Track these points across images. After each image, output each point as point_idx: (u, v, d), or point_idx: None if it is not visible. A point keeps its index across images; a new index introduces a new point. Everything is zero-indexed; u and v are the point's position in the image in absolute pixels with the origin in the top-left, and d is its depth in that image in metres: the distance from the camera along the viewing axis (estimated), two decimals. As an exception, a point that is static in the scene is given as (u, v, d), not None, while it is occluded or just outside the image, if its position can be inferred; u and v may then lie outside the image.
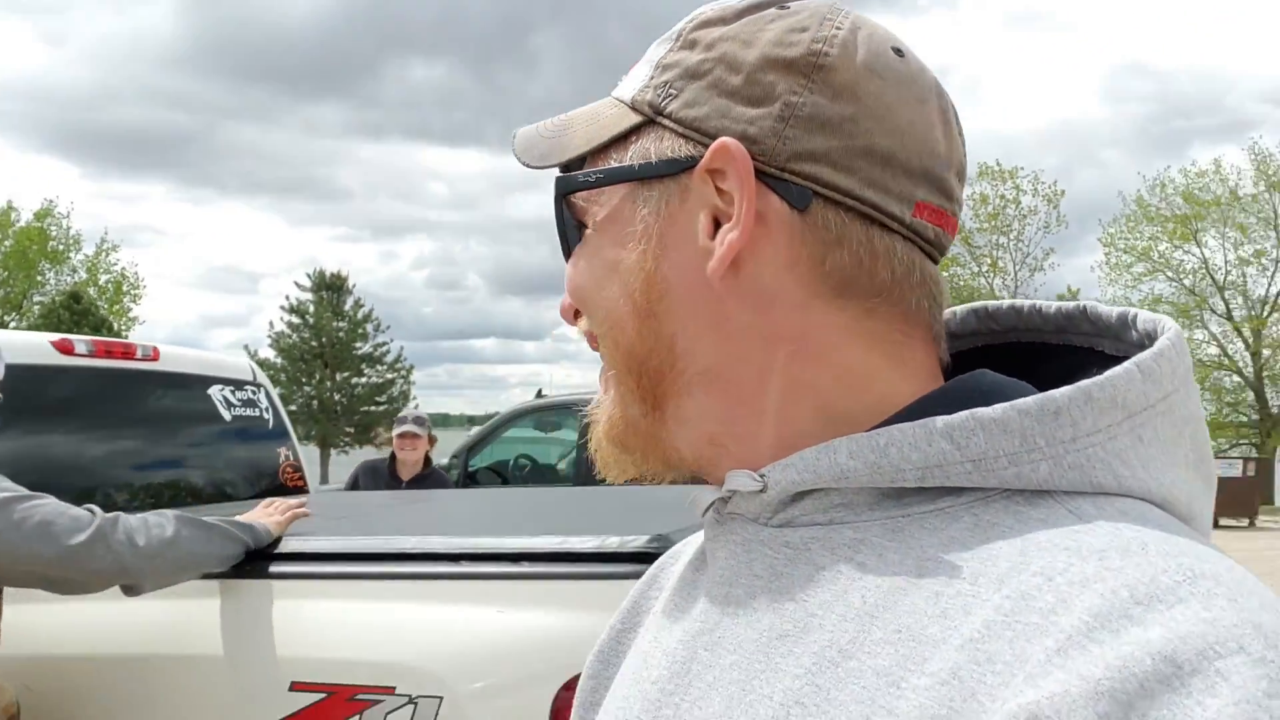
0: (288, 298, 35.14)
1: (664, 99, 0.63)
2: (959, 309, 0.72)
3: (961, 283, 30.91)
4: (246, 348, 34.83)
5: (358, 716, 1.90)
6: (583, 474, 6.53)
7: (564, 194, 0.65)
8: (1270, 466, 24.97)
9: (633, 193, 0.63)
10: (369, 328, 35.25)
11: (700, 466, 0.64)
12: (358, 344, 34.91)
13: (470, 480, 6.71)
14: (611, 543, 1.92)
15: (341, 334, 34.55)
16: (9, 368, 2.89)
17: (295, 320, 34.86)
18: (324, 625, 2.00)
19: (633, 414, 0.64)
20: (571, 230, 0.66)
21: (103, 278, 36.17)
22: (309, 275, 35.42)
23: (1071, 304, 0.67)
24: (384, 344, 35.47)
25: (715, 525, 0.65)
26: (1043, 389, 0.59)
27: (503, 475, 6.99)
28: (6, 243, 34.97)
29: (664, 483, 0.67)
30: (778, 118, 0.59)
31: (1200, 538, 0.54)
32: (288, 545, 2.15)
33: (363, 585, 2.03)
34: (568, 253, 0.67)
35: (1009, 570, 0.51)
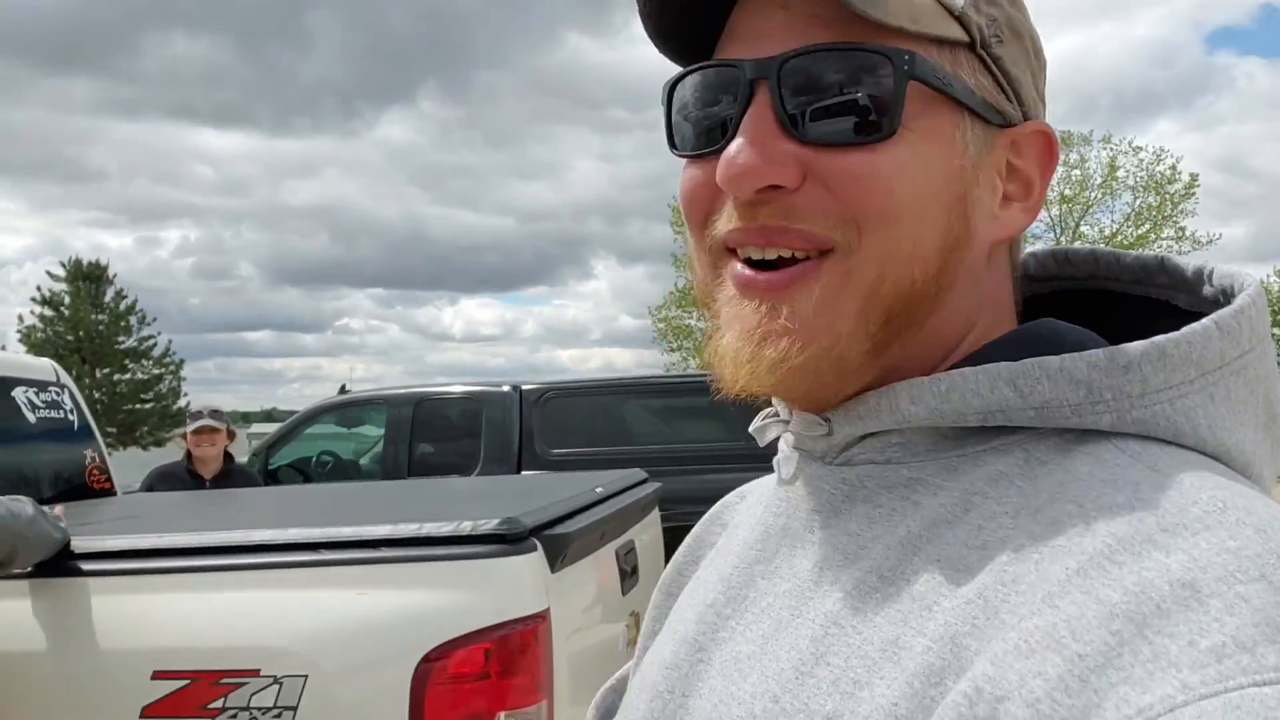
0: (39, 288, 32.40)
1: (994, 37, 0.60)
2: (1039, 251, 0.71)
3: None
4: (-10, 342, 31.75)
5: (223, 699, 2.02)
6: (389, 469, 6.58)
7: (912, 77, 0.56)
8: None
9: (959, 120, 0.59)
10: (132, 320, 32.96)
11: (848, 395, 0.61)
12: (120, 338, 32.56)
13: (271, 478, 6.61)
14: (465, 527, 2.12)
15: (102, 327, 32.13)
16: None
17: (48, 313, 32.16)
18: (184, 616, 2.09)
19: (839, 348, 0.58)
20: (883, 110, 0.56)
21: None
22: (63, 264, 32.79)
23: (1150, 255, 0.66)
24: (150, 338, 33.30)
25: (783, 458, 0.67)
26: (1116, 339, 0.59)
27: (305, 473, 6.92)
28: None
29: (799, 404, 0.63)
30: (1041, 105, 0.64)
31: (1246, 482, 0.53)
32: (145, 541, 2.22)
33: (222, 576, 2.14)
34: (861, 127, 0.57)
35: (1046, 501, 0.52)
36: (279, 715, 2.01)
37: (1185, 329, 0.55)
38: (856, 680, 0.52)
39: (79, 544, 2.22)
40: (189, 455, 5.15)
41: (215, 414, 5.19)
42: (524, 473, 6.22)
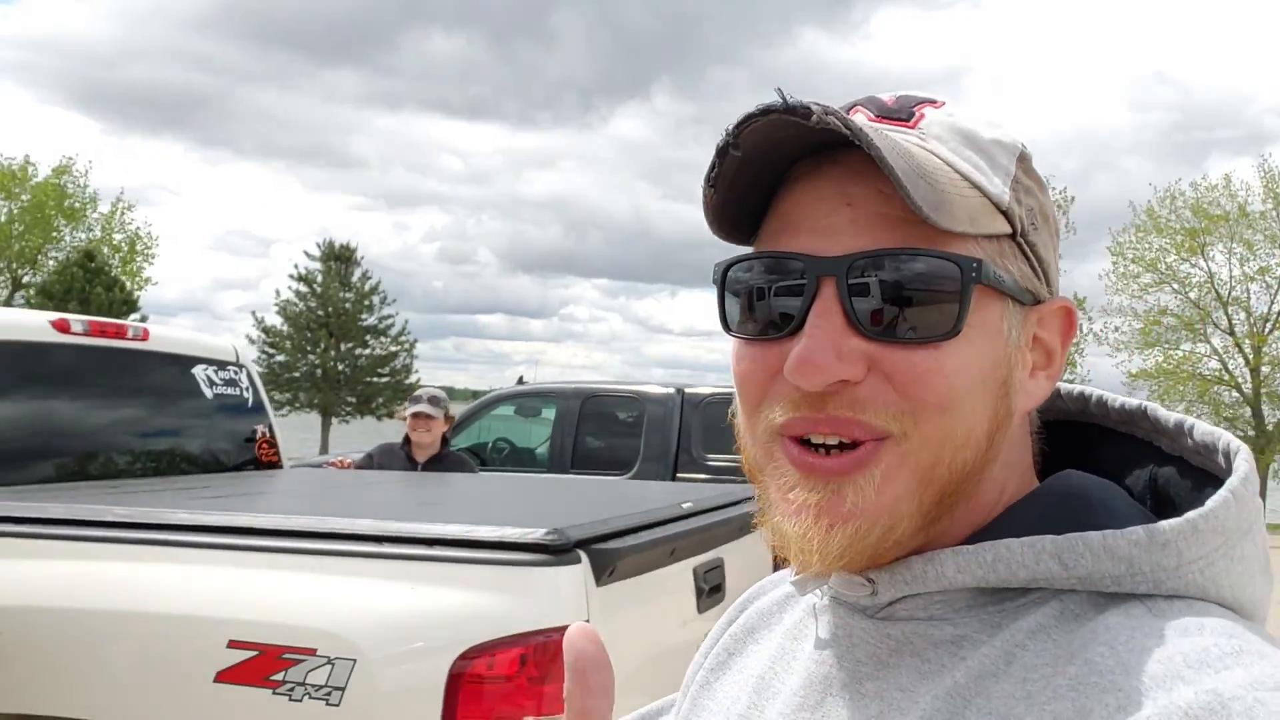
0: (296, 266, 35.54)
1: (1031, 226, 0.65)
2: None
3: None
4: (254, 313, 35.14)
5: (284, 673, 2.19)
6: (556, 460, 6.82)
7: (979, 281, 0.61)
8: (1265, 483, 25.13)
9: (1004, 309, 0.63)
10: (375, 300, 35.59)
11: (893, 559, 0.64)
12: (363, 315, 35.26)
13: (449, 460, 7.03)
14: (510, 533, 2.20)
15: (348, 305, 34.89)
16: (8, 345, 3.20)
17: (303, 289, 35.22)
18: (257, 592, 2.29)
19: (900, 527, 0.62)
20: (950, 313, 0.60)
21: (117, 236, 36.38)
22: (318, 245, 35.78)
23: (1135, 403, 0.71)
24: (389, 316, 35.87)
25: (821, 607, 0.70)
26: (1109, 474, 0.68)
27: (481, 457, 7.29)
28: (24, 197, 35.14)
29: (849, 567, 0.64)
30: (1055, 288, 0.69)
31: (1258, 629, 0.59)
32: (237, 519, 2.44)
33: (294, 559, 2.32)
34: (941, 335, 0.60)
35: (1080, 646, 0.57)
36: (329, 693, 2.16)
37: (1210, 503, 0.60)
38: None
39: (177, 517, 2.47)
40: (407, 438, 5.11)
41: (434, 400, 5.09)
42: (674, 478, 6.28)
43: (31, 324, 3.40)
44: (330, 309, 34.46)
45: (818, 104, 0.58)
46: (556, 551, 2.20)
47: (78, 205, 35.70)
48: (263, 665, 2.21)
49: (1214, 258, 29.44)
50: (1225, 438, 0.64)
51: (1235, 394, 29.20)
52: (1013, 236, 0.64)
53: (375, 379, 34.76)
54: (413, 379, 35.09)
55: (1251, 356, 28.98)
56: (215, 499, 2.93)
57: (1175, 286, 29.63)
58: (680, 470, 6.31)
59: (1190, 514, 0.59)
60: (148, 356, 3.77)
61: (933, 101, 0.67)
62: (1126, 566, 0.58)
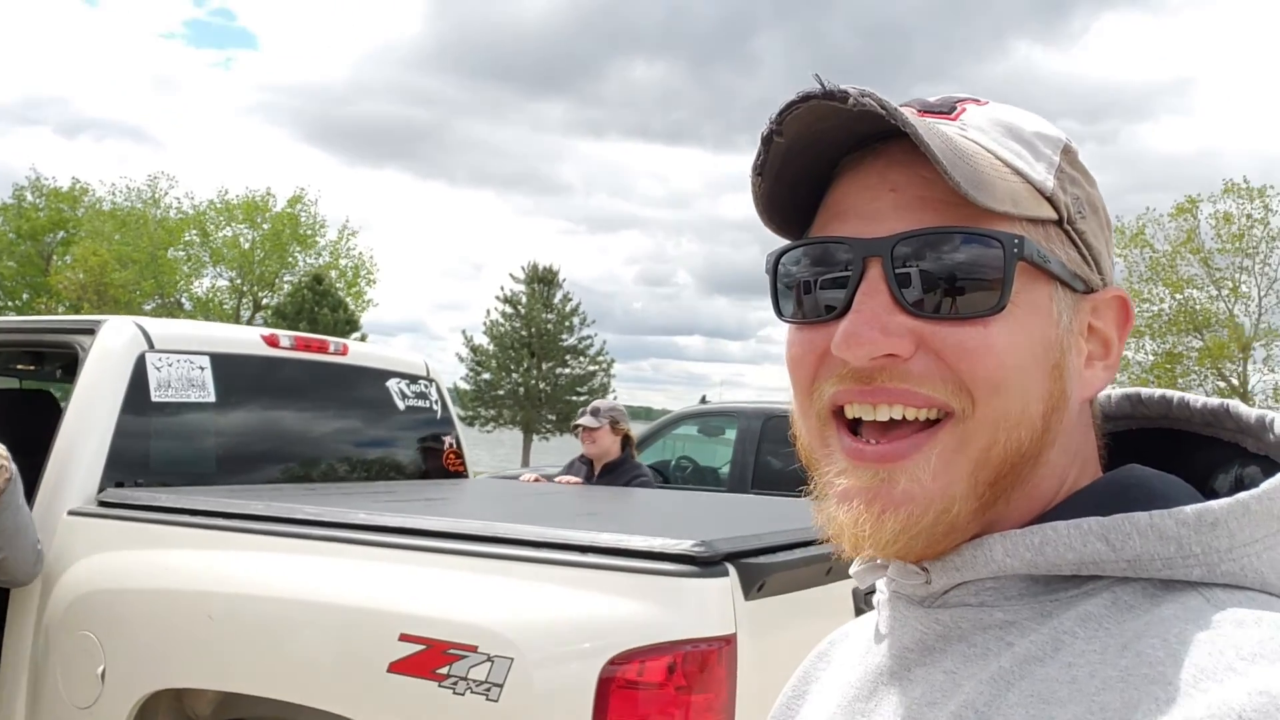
0: (502, 288, 37.11)
1: (1079, 213, 0.66)
2: (1114, 393, 0.75)
3: (1198, 306, 28.40)
4: (464, 332, 36.93)
5: (449, 667, 2.32)
6: (736, 480, 6.83)
7: (1021, 258, 0.61)
8: None
9: (1054, 292, 0.64)
10: (575, 320, 36.69)
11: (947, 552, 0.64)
12: (564, 335, 36.42)
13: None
14: (659, 544, 2.25)
15: (550, 325, 36.14)
16: (229, 358, 3.53)
17: (508, 310, 36.74)
18: (429, 590, 2.43)
19: (955, 510, 0.62)
20: (994, 289, 0.61)
21: (343, 261, 39.17)
22: (523, 268, 37.25)
23: (1216, 401, 0.69)
24: (588, 337, 36.90)
25: (880, 602, 0.72)
26: (1192, 479, 0.65)
27: (664, 474, 7.40)
28: (264, 225, 38.41)
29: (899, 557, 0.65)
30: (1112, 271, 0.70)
31: None
32: (410, 522, 2.60)
33: (461, 560, 2.45)
34: (986, 311, 0.61)
35: (1133, 637, 0.56)
36: (488, 690, 2.26)
37: (1265, 485, 0.58)
38: None
39: (367, 518, 2.65)
40: None
41: (595, 412, 5.34)
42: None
43: (247, 339, 3.74)
44: (533, 329, 35.79)
45: (855, 87, 0.59)
46: (704, 563, 2.23)
47: (309, 232, 38.71)
48: (430, 659, 2.34)
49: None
50: None
51: None
52: (1059, 223, 0.64)
53: (574, 397, 35.77)
54: (609, 398, 35.86)
55: None
56: (398, 503, 3.13)
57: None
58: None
59: (1242, 494, 0.58)
60: (347, 370, 4.07)
61: (976, 100, 0.68)
62: (1176, 547, 0.57)
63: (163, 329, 3.44)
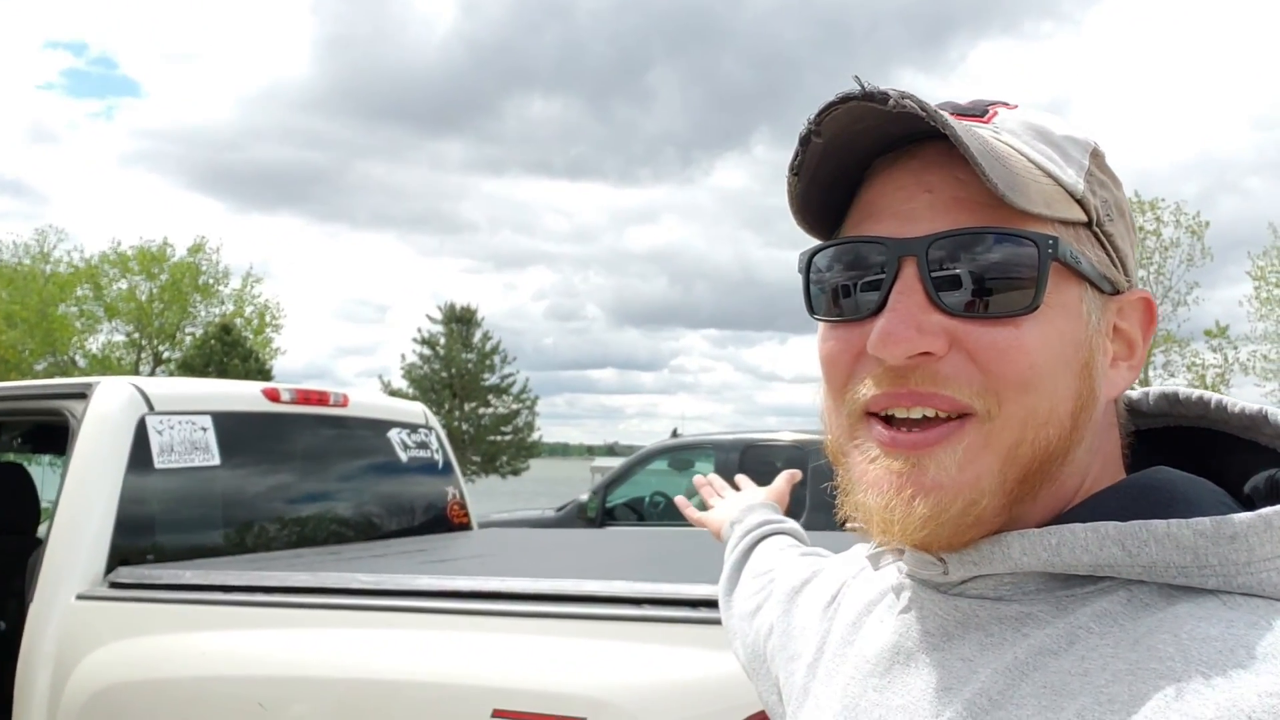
0: (419, 330, 36.53)
1: (1107, 216, 0.67)
2: (1151, 391, 0.76)
3: (1096, 317, 29.53)
4: (380, 377, 36.17)
5: (553, 742, 2.12)
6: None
7: (1055, 257, 0.62)
8: None
9: (1083, 293, 0.65)
10: (496, 359, 36.29)
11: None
12: (485, 375, 35.95)
13: (608, 515, 6.98)
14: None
15: (470, 365, 35.65)
16: (231, 416, 3.26)
17: (426, 351, 36.15)
18: (522, 657, 2.23)
19: (982, 503, 0.62)
20: (1029, 289, 0.61)
21: (248, 309, 38.07)
22: (439, 308, 36.76)
23: (1255, 407, 0.69)
24: (510, 375, 36.49)
25: (895, 584, 0.73)
26: (1229, 480, 0.66)
27: (638, 511, 7.22)
28: (163, 276, 37.13)
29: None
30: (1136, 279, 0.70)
31: None
32: (489, 584, 2.40)
33: (559, 623, 2.26)
34: (1019, 310, 0.62)
35: (1145, 633, 0.57)
36: (604, 764, 2.07)
37: None
38: None
39: (432, 583, 2.44)
40: None
41: None
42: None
43: (247, 395, 3.47)
44: (453, 370, 35.27)
45: (895, 90, 0.60)
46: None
47: (211, 281, 37.51)
48: (530, 735, 2.14)
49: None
50: None
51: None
52: (1089, 225, 0.65)
53: (499, 437, 35.31)
54: (535, 436, 35.51)
55: None
56: (445, 563, 2.91)
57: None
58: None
59: (1266, 509, 0.58)
60: (348, 422, 3.82)
61: (1006, 103, 0.69)
62: (1192, 557, 0.57)
63: (162, 389, 3.17)
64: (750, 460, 6.66)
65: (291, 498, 3.57)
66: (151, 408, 3.07)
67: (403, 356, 36.48)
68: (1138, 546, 0.58)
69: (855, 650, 0.76)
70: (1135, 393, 0.74)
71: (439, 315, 36.65)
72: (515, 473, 33.64)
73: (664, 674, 2.10)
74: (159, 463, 3.04)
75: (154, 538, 3.02)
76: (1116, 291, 0.67)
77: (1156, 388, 0.75)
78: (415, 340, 36.36)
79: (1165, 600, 0.58)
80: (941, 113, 0.59)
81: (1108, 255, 0.66)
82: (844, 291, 0.66)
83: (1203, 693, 0.50)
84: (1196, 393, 0.73)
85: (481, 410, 35.90)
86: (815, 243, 0.70)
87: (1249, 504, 0.64)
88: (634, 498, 7.35)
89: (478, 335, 36.38)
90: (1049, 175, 0.64)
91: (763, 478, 5.71)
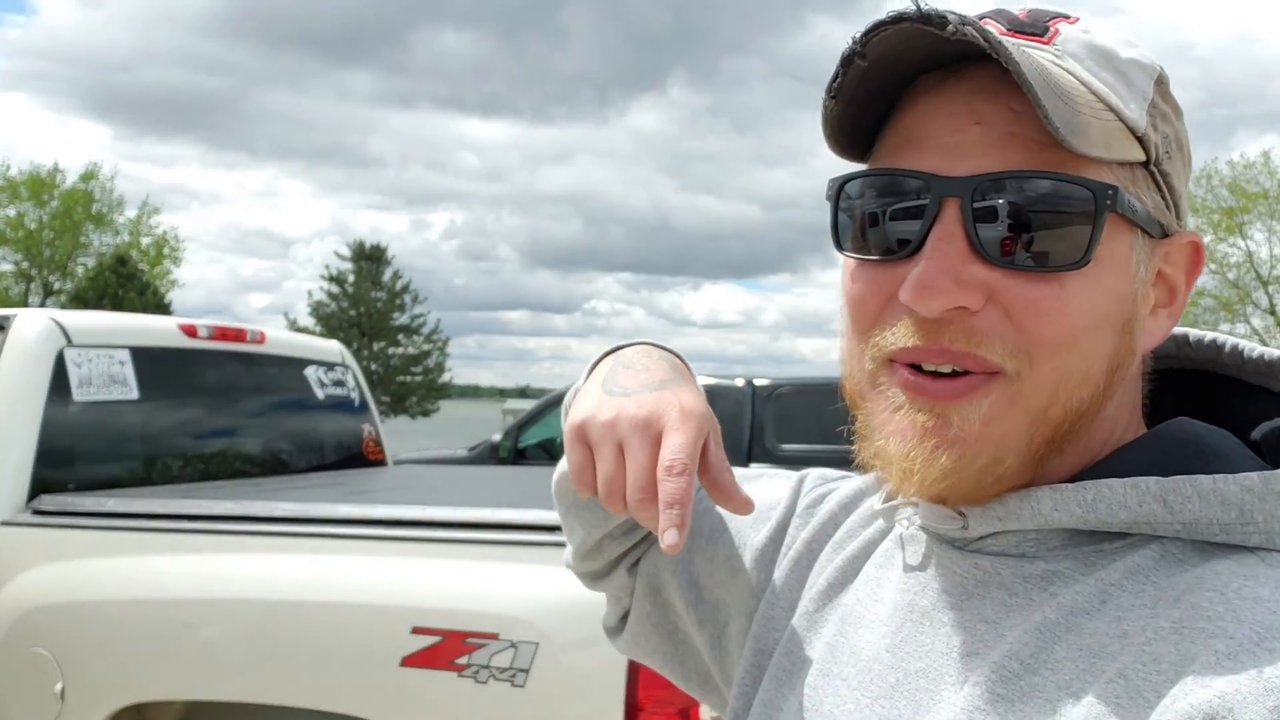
0: (327, 267, 35.87)
1: (1165, 154, 0.61)
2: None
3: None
4: (286, 315, 35.44)
5: (468, 656, 2.30)
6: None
7: (1114, 210, 0.57)
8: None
9: (1134, 241, 0.60)
10: (406, 299, 35.87)
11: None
12: (395, 314, 35.52)
13: (520, 456, 7.15)
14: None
15: (379, 304, 35.18)
16: (149, 351, 3.32)
17: (334, 289, 35.51)
18: (439, 580, 2.39)
19: (1007, 462, 0.59)
20: (1080, 242, 0.57)
21: (144, 240, 36.70)
22: (348, 245, 36.13)
23: (1275, 353, 0.65)
24: (420, 315, 36.12)
25: (909, 536, 0.68)
26: (1240, 428, 0.63)
27: (550, 452, 7.40)
28: (53, 204, 35.49)
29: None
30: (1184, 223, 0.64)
31: None
32: (409, 512, 2.55)
33: (473, 548, 2.43)
34: (1054, 256, 0.57)
35: (1185, 590, 0.53)
36: (514, 675, 2.26)
37: None
38: None
39: (353, 511, 2.58)
40: None
41: None
42: (751, 466, 6.37)
43: (165, 330, 3.52)
44: (363, 309, 34.75)
45: (954, 13, 0.55)
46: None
47: (105, 210, 36.02)
48: (447, 650, 2.31)
49: (1253, 236, 29.05)
50: None
51: None
52: (1146, 164, 0.59)
53: (409, 378, 35.02)
54: (445, 377, 35.34)
55: (1295, 337, 28.64)
56: (364, 494, 3.04)
57: (1213, 267, 29.17)
58: (754, 461, 6.40)
59: None
60: (265, 359, 3.89)
61: (1066, 16, 0.62)
62: (1238, 514, 0.54)
63: (80, 322, 3.20)
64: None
65: (209, 432, 3.65)
66: (70, 340, 3.11)
67: (310, 294, 35.84)
68: (1180, 502, 0.55)
69: (852, 598, 0.72)
70: None
71: (347, 253, 35.99)
72: (425, 414, 33.52)
73: (568, 592, 2.29)
74: (78, 395, 3.10)
75: (74, 468, 3.08)
76: (1166, 235, 0.62)
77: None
78: (323, 277, 35.72)
79: (1200, 556, 0.55)
80: (1005, 45, 0.53)
81: (1162, 197, 0.61)
82: (877, 228, 0.61)
83: (1258, 654, 0.47)
84: (1209, 335, 0.69)
85: (391, 350, 35.54)
86: (850, 168, 0.64)
87: (1257, 451, 0.63)
88: (546, 438, 7.50)
89: (388, 274, 35.90)
90: (1111, 109, 0.58)
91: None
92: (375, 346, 35.15)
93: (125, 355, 3.29)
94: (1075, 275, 0.57)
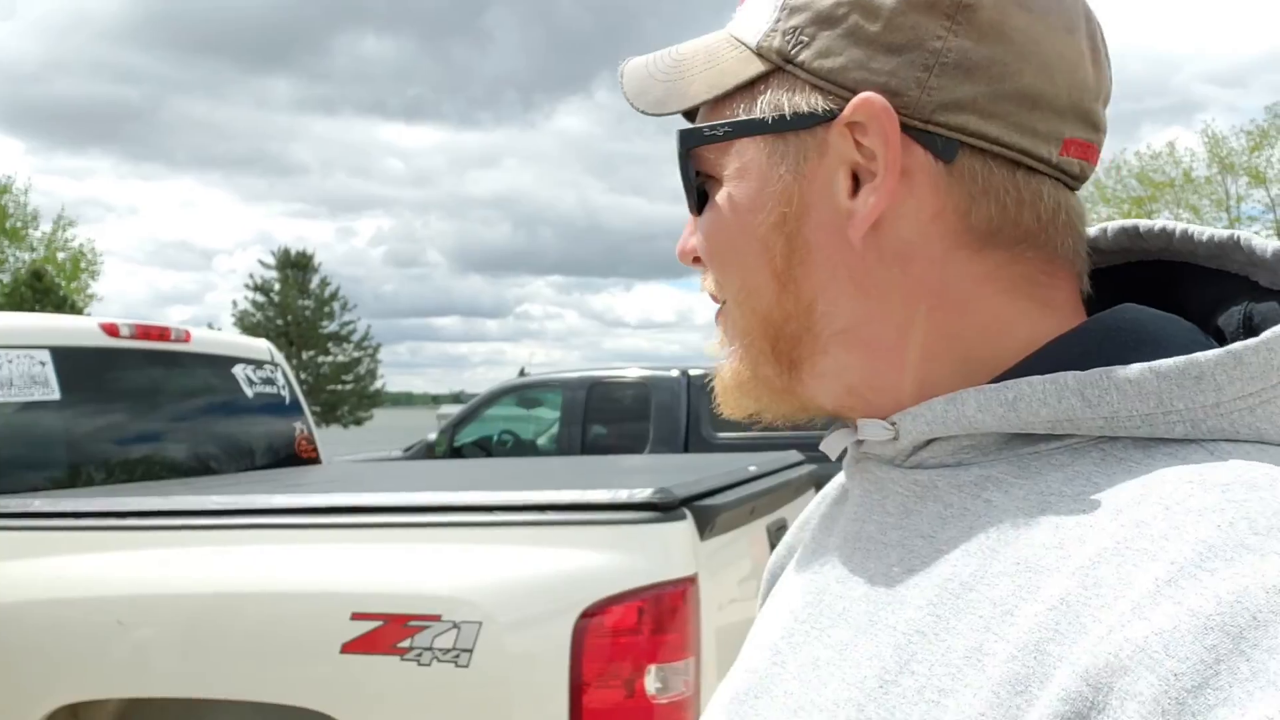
0: (252, 276, 35.15)
1: (794, 46, 0.59)
2: (1110, 226, 0.68)
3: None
4: (210, 325, 34.64)
5: (410, 640, 2.29)
6: (564, 449, 6.92)
7: (690, 147, 0.63)
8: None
9: (767, 147, 0.61)
10: (335, 306, 35.31)
11: (838, 414, 0.65)
12: (324, 322, 34.94)
13: (456, 454, 7.10)
14: (623, 495, 2.32)
15: (308, 313, 34.58)
16: (69, 350, 3.24)
17: (260, 299, 34.82)
18: (378, 565, 2.38)
19: (765, 373, 0.64)
20: (696, 185, 0.64)
21: (60, 255, 35.67)
22: (273, 253, 35.49)
23: (1226, 233, 0.61)
24: (350, 322, 35.58)
25: (852, 464, 0.67)
26: (1198, 315, 0.60)
27: (487, 450, 7.37)
28: (-37, 219, 34.30)
29: (794, 423, 0.69)
30: (922, 66, 0.56)
31: None
32: (344, 500, 2.53)
33: (411, 532, 2.42)
34: (695, 207, 0.65)
35: (1129, 502, 0.49)
36: (457, 656, 2.26)
37: (1265, 334, 0.52)
38: (942, 689, 0.51)
39: (286, 501, 2.55)
40: None
41: None
42: (689, 454, 6.41)
43: (85, 329, 3.44)
44: (290, 317, 34.12)
45: (627, 85, 0.67)
46: (665, 509, 2.31)
47: (19, 225, 34.92)
48: (388, 634, 2.30)
49: (1161, 225, 29.93)
50: None
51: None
52: (780, 69, 0.60)
53: (340, 386, 34.48)
54: (377, 385, 34.85)
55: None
56: (299, 486, 3.00)
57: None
58: (691, 450, 6.45)
59: (1235, 344, 0.52)
60: (191, 358, 3.82)
61: None
62: (1156, 403, 0.51)
63: (-3, 322, 3.12)
64: (596, 398, 6.91)
65: (136, 433, 3.57)
66: (-14, 341, 3.02)
67: (234, 303, 35.14)
68: (1098, 395, 0.53)
69: (811, 541, 0.72)
70: (1093, 229, 0.67)
71: (272, 261, 35.30)
72: (358, 422, 33.04)
73: (510, 571, 2.30)
74: (-3, 397, 3.01)
75: (-5, 472, 2.99)
76: (832, 114, 0.58)
77: (1116, 222, 0.68)
78: (248, 286, 34.98)
79: (1143, 452, 0.52)
80: (629, 94, 0.65)
81: (811, 84, 0.59)
82: None
83: (1200, 578, 0.43)
84: (1159, 223, 0.65)
85: (321, 359, 34.96)
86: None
87: (1220, 339, 0.59)
88: (482, 436, 7.47)
89: (315, 281, 35.28)
90: (739, 43, 0.62)
91: (609, 413, 6.00)
92: (305, 355, 34.51)
93: (46, 355, 3.21)
94: (711, 209, 0.64)
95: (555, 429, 7.19)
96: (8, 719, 2.47)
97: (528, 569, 2.30)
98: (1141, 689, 0.41)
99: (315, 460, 4.35)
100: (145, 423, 3.63)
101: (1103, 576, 0.47)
